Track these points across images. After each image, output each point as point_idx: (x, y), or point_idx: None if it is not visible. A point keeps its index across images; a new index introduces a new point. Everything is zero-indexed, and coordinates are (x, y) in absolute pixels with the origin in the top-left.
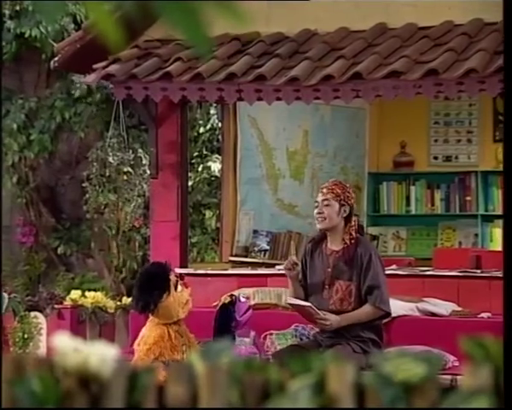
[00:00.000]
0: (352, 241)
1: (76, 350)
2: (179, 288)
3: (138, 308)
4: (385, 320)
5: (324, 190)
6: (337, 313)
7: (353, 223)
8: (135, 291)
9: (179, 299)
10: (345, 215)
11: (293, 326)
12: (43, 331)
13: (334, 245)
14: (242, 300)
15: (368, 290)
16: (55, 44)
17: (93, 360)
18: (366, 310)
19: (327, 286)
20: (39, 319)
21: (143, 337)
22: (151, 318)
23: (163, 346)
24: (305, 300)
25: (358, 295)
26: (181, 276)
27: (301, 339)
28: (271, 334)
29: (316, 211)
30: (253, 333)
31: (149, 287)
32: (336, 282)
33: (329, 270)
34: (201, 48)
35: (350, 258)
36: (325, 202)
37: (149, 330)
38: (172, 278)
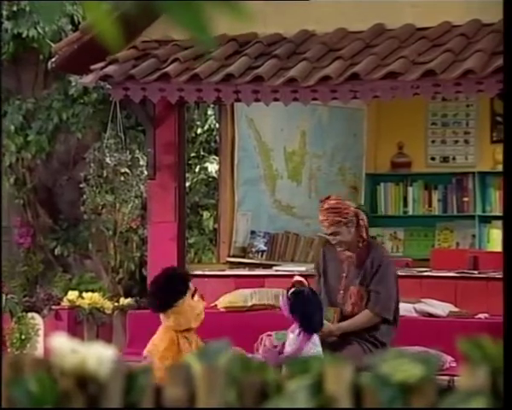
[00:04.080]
0: (364, 243)
1: (73, 351)
2: (196, 297)
3: (155, 306)
4: None
5: (326, 224)
6: (349, 317)
7: (361, 223)
8: (153, 289)
9: (194, 309)
10: (353, 226)
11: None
12: (41, 332)
13: (348, 250)
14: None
15: (369, 296)
16: (52, 45)
17: (90, 361)
18: (362, 316)
19: (342, 291)
20: (36, 319)
21: (154, 344)
22: (163, 324)
23: (174, 350)
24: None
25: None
26: (196, 287)
27: None
28: (270, 335)
29: (333, 243)
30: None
31: (169, 287)
32: (350, 287)
33: (344, 275)
34: (206, 43)
35: (362, 262)
36: (334, 234)
37: (160, 337)
38: (191, 286)
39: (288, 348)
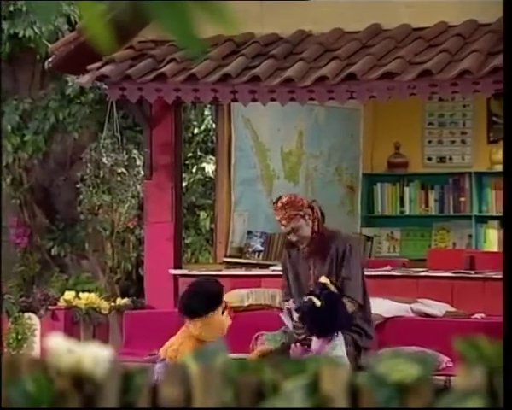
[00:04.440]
0: (317, 235)
1: (70, 351)
2: (225, 314)
3: (187, 311)
4: (378, 321)
5: (284, 222)
6: None
7: (315, 215)
8: (190, 293)
9: (221, 324)
10: (310, 218)
11: (283, 327)
12: (37, 332)
13: (309, 246)
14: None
15: (341, 284)
16: (49, 45)
17: (87, 361)
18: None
19: (312, 288)
20: (33, 320)
21: (173, 346)
22: (185, 330)
23: None
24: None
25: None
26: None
27: (290, 339)
28: (262, 334)
29: (293, 240)
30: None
31: (206, 296)
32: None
33: (311, 271)
34: (193, 49)
35: (326, 254)
36: (294, 230)
37: (181, 342)
38: (224, 301)
39: (313, 348)
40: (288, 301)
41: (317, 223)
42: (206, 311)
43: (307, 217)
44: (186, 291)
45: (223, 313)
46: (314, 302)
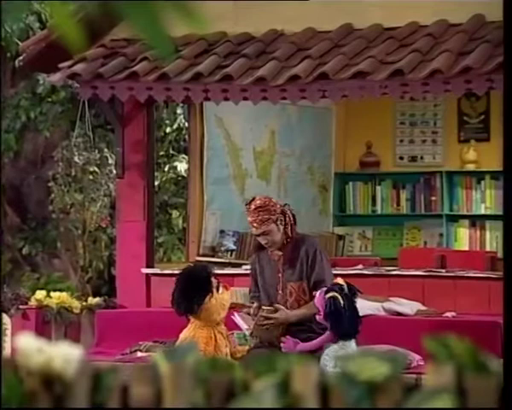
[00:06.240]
0: (289, 239)
1: (40, 350)
2: (220, 290)
3: (181, 311)
4: None
5: (255, 225)
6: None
7: (287, 220)
8: (176, 293)
9: (221, 301)
10: (282, 223)
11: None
12: (8, 332)
13: (279, 251)
14: None
15: (314, 286)
16: (19, 43)
17: (57, 361)
18: (311, 304)
19: (280, 291)
20: (4, 319)
21: (187, 340)
22: (194, 322)
23: (212, 345)
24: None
25: (311, 291)
26: (218, 278)
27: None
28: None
29: (263, 243)
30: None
31: (192, 289)
32: (288, 285)
33: (280, 275)
34: (163, 50)
35: (295, 258)
36: (264, 233)
37: (194, 333)
38: (213, 280)
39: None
40: (253, 303)
41: (289, 228)
42: (202, 300)
43: (279, 222)
44: (176, 291)
45: (218, 290)
46: (339, 301)
